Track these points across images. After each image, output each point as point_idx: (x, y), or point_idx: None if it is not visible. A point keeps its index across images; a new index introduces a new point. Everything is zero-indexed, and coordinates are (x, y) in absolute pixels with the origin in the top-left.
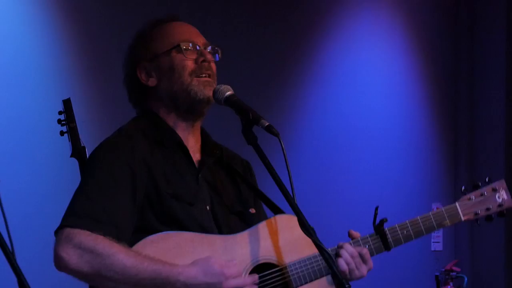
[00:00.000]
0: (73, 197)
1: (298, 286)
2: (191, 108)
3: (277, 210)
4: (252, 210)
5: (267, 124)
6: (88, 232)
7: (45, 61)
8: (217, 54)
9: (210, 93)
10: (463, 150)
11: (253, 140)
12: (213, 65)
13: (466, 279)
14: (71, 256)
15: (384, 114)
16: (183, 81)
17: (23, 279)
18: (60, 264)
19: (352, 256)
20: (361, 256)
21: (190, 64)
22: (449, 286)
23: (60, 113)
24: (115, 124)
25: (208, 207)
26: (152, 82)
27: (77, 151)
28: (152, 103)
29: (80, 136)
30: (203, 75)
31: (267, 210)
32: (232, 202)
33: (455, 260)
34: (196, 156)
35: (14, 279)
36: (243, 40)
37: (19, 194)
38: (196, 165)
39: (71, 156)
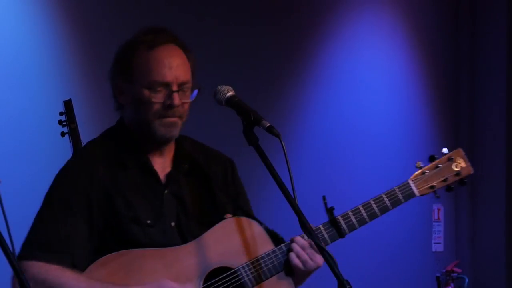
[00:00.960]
0: (31, 227)
1: (253, 286)
2: (155, 139)
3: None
4: (228, 216)
5: (268, 125)
6: (41, 264)
7: (46, 61)
8: (194, 92)
9: (173, 133)
10: (463, 149)
11: (254, 140)
12: (184, 105)
13: (467, 280)
14: None
15: (385, 113)
16: (146, 118)
17: (24, 279)
18: None
19: (303, 248)
20: (312, 246)
21: (156, 107)
22: (450, 287)
23: (61, 114)
24: None
25: (173, 223)
26: (122, 100)
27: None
28: (125, 115)
29: (81, 137)
30: (169, 118)
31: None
32: (203, 213)
33: (456, 261)
34: (165, 170)
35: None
36: (243, 40)
37: (19, 195)
38: (163, 181)
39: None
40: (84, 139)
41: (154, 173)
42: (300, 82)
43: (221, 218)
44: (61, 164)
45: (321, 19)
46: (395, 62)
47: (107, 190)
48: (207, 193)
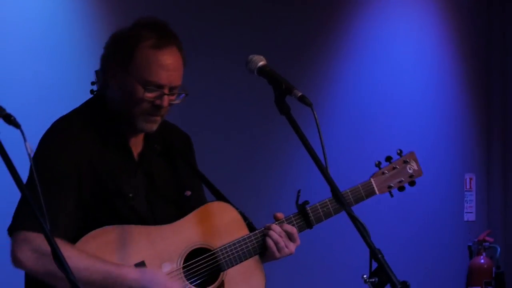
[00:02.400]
0: (24, 198)
1: (228, 268)
2: (136, 129)
3: (212, 189)
4: (188, 193)
5: (300, 94)
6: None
7: (78, 31)
8: (181, 96)
9: (153, 129)
10: (496, 120)
11: (286, 110)
12: (169, 106)
13: (499, 249)
14: (28, 258)
15: (417, 84)
16: (132, 111)
17: (56, 247)
18: (16, 264)
19: (280, 235)
20: (288, 234)
21: (145, 104)
22: (481, 257)
23: (93, 83)
24: None
25: (145, 200)
26: (112, 82)
27: None
28: (108, 94)
29: None
30: (153, 116)
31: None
32: (169, 191)
33: (488, 230)
34: (138, 149)
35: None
36: (277, 10)
37: None
38: (137, 158)
39: None
40: None
41: (130, 152)
42: (332, 52)
43: (182, 195)
44: None
45: None
46: (427, 32)
47: (93, 163)
48: (171, 171)
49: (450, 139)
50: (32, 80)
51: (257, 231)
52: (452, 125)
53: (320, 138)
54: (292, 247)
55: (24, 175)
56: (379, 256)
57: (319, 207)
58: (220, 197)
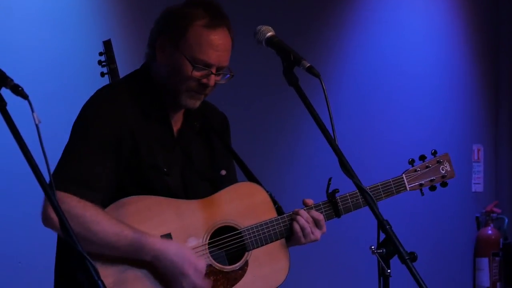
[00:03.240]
0: (64, 157)
1: (253, 249)
2: (178, 106)
3: (245, 170)
4: (223, 172)
5: (308, 65)
6: (77, 199)
7: (85, 2)
8: (227, 76)
9: (196, 105)
10: (504, 91)
11: (294, 81)
12: (214, 86)
13: (506, 220)
14: None
15: (426, 55)
16: (177, 87)
17: (64, 218)
18: (47, 222)
19: (307, 221)
20: (315, 221)
21: (191, 82)
22: (489, 227)
23: (100, 54)
24: None
25: (180, 176)
26: (160, 56)
27: None
28: (154, 68)
29: (121, 77)
30: (198, 93)
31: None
32: (205, 169)
33: (495, 201)
34: (177, 125)
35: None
36: None
37: (60, 136)
38: (176, 134)
39: None
40: None
41: (170, 127)
42: (340, 23)
43: (217, 174)
44: None
45: None
46: (435, 3)
47: (134, 134)
48: (208, 149)
49: (459, 110)
50: (38, 49)
51: (284, 215)
52: (460, 96)
53: (328, 109)
54: (318, 233)
55: (31, 146)
56: (387, 227)
57: (349, 197)
58: (252, 178)
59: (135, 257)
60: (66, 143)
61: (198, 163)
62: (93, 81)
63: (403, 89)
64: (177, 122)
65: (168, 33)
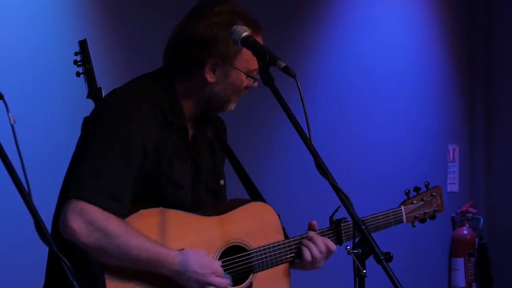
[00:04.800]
0: (87, 163)
1: (259, 271)
2: (212, 110)
3: (244, 179)
4: (222, 182)
5: (283, 65)
6: (101, 210)
7: (61, 1)
8: None
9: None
10: (479, 90)
11: (270, 81)
12: None
13: (482, 220)
14: (82, 230)
15: (401, 55)
16: (229, 97)
17: (40, 220)
18: (68, 233)
19: (320, 251)
20: (328, 252)
21: (243, 91)
22: (465, 227)
23: (76, 54)
24: (131, 66)
25: (191, 189)
26: (210, 78)
27: (93, 92)
28: (184, 83)
29: (96, 77)
30: (240, 97)
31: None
32: (210, 179)
33: (471, 201)
34: (190, 133)
35: (15, 271)
36: None
37: (35, 136)
38: (189, 142)
39: (87, 97)
40: (99, 79)
41: (187, 138)
42: (315, 22)
43: (218, 183)
44: (77, 104)
45: None
46: (412, 3)
47: (157, 146)
48: (210, 156)
49: (434, 110)
50: (13, 48)
51: (291, 239)
52: (435, 96)
53: (304, 108)
54: (322, 263)
55: (6, 147)
56: (362, 227)
57: (351, 226)
58: (253, 190)
59: (153, 271)
60: (40, 143)
61: (204, 174)
62: (69, 81)
63: (378, 89)
64: (190, 131)
65: (220, 55)
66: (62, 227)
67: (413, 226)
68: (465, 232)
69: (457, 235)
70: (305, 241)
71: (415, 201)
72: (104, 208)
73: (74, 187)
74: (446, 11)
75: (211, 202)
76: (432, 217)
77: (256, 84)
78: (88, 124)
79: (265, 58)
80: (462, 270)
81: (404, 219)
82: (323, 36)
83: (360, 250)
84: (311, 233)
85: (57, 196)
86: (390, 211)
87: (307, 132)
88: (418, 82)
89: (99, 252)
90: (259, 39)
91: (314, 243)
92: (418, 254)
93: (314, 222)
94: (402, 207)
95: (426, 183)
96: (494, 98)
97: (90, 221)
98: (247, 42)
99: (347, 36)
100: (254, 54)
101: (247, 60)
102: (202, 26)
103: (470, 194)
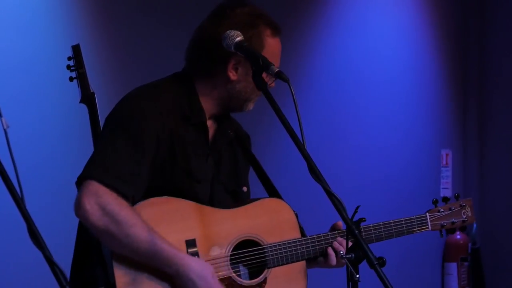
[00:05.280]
0: (102, 148)
1: (274, 267)
2: (232, 110)
3: (268, 186)
4: (245, 189)
5: (277, 70)
6: (115, 195)
7: (54, 6)
8: None
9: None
10: (472, 95)
11: (263, 86)
12: None
13: (475, 225)
14: (94, 211)
15: (394, 61)
16: (250, 95)
17: (33, 224)
18: (80, 212)
19: (341, 244)
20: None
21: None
22: (458, 233)
23: (69, 58)
24: (124, 70)
25: (209, 185)
26: (232, 76)
27: (86, 97)
28: (204, 82)
29: (90, 82)
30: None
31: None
32: (229, 181)
33: None
34: (211, 132)
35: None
36: None
37: (28, 140)
38: (210, 140)
39: (80, 102)
40: (93, 83)
41: (207, 135)
42: (308, 28)
43: (240, 188)
44: (70, 109)
45: None
46: (404, 7)
47: (172, 137)
48: (232, 160)
49: (427, 115)
50: (7, 53)
51: (309, 237)
52: (428, 101)
53: (297, 113)
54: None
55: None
56: (356, 232)
57: (372, 229)
58: (275, 196)
59: (158, 267)
60: (34, 147)
61: (224, 175)
62: (62, 85)
63: (371, 94)
64: (210, 129)
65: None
66: (76, 206)
67: (441, 235)
68: (458, 237)
69: (450, 240)
70: (336, 244)
71: (442, 210)
72: (117, 190)
73: (89, 169)
74: (438, 16)
75: (230, 204)
76: (462, 228)
77: (273, 84)
78: (109, 114)
79: (259, 63)
80: (455, 274)
81: (430, 226)
82: (316, 41)
83: (353, 255)
84: (339, 239)
85: (50, 201)
86: (415, 217)
87: (300, 137)
88: (411, 87)
89: (107, 237)
90: (278, 42)
91: (340, 247)
92: (411, 259)
93: (340, 223)
94: (428, 214)
95: (456, 195)
96: (487, 102)
97: (103, 204)
98: (240, 47)
99: (339, 41)
100: (247, 59)
101: (269, 54)
102: (226, 27)
103: (464, 199)
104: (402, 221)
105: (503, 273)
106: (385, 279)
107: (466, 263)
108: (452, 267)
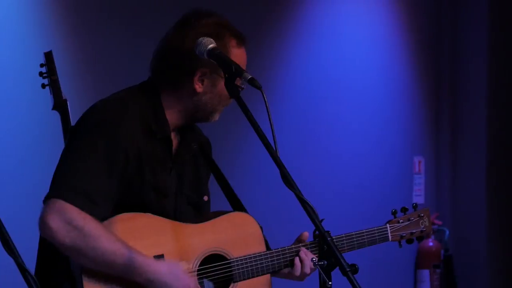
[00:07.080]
0: (68, 164)
1: (240, 281)
2: (198, 121)
3: (228, 192)
4: (205, 198)
5: (250, 77)
6: (79, 210)
7: (26, 12)
8: None
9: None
10: (445, 102)
11: (235, 92)
12: None
13: (447, 232)
14: (59, 229)
15: (366, 67)
16: (216, 106)
17: (5, 231)
18: (46, 232)
19: (311, 268)
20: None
21: (229, 100)
22: (430, 239)
23: (41, 65)
24: (97, 77)
25: (174, 198)
26: (198, 88)
27: (59, 104)
28: (170, 93)
29: (62, 89)
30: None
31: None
32: (192, 192)
33: (436, 213)
34: (174, 144)
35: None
36: None
37: (0, 147)
38: (173, 153)
39: (52, 109)
40: (65, 91)
41: (171, 148)
42: (281, 35)
43: (201, 199)
44: (43, 116)
45: None
46: (376, 13)
47: (140, 153)
48: (194, 171)
49: (400, 122)
50: None
51: (273, 250)
52: (401, 108)
53: (270, 120)
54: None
55: None
56: (328, 239)
57: (334, 240)
58: (237, 203)
59: (128, 278)
60: (5, 154)
61: (187, 187)
62: (34, 92)
63: (344, 101)
64: (174, 141)
65: (209, 65)
66: (41, 225)
67: (400, 246)
68: (431, 244)
69: (422, 246)
70: (302, 253)
71: (401, 221)
72: (81, 208)
73: (54, 186)
74: (411, 23)
75: (192, 215)
76: (419, 238)
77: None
78: (74, 128)
79: (231, 70)
80: (427, 281)
81: (390, 238)
82: (289, 48)
83: (325, 262)
84: (304, 250)
85: (22, 207)
86: (375, 228)
87: (273, 144)
88: (384, 94)
89: (75, 253)
90: (244, 52)
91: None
92: (384, 266)
93: (305, 234)
94: (388, 225)
95: (414, 205)
96: (460, 109)
97: (68, 220)
98: (213, 54)
99: (312, 49)
100: (220, 66)
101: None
102: (192, 38)
103: (436, 206)
104: (363, 232)
105: (475, 280)
106: (357, 286)
107: (438, 270)
108: (425, 274)
